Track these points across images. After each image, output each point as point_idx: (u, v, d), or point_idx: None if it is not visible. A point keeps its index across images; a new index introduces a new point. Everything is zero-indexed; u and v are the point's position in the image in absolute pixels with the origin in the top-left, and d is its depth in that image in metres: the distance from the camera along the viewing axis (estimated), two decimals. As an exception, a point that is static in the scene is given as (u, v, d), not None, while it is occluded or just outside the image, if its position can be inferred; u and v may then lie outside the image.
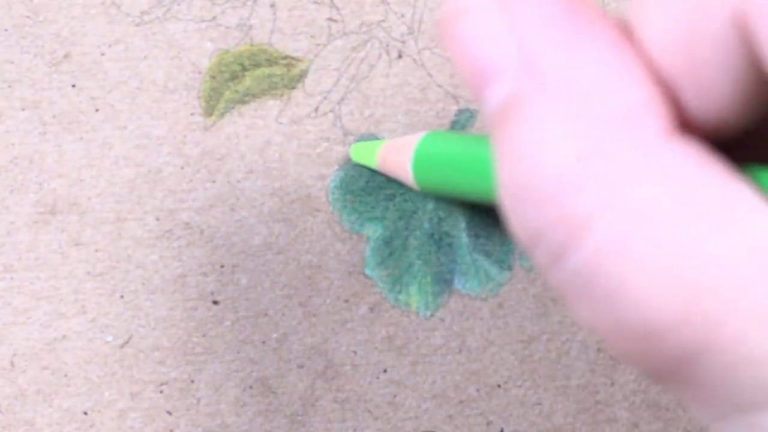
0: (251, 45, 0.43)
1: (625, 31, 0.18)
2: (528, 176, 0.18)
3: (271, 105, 0.43)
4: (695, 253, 0.16)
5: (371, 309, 0.42)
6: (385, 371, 0.42)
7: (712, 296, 0.16)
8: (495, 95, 0.18)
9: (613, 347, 0.18)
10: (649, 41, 0.18)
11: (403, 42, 0.43)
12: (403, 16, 0.43)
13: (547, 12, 0.18)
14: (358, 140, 0.43)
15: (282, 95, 0.43)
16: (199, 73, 0.42)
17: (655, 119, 0.17)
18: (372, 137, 0.43)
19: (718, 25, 0.16)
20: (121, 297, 0.42)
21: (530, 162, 0.18)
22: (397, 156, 0.39)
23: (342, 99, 0.43)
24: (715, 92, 0.17)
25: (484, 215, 0.42)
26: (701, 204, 0.17)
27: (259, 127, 0.42)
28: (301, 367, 0.42)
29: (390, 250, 0.42)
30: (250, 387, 0.42)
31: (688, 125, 0.18)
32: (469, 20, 0.18)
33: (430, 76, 0.43)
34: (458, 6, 0.19)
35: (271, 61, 0.43)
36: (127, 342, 0.42)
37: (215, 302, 0.42)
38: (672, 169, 0.17)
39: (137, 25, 0.43)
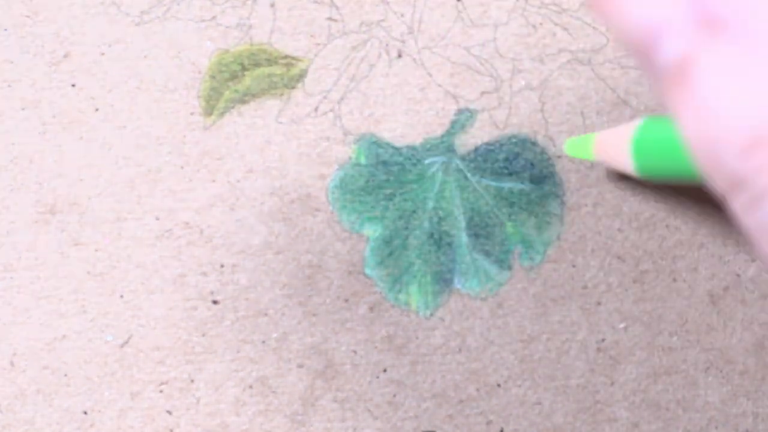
0: (251, 44, 0.43)
1: None
2: (724, 128, 0.17)
3: (271, 104, 0.43)
4: None
5: (371, 308, 0.42)
6: (384, 371, 0.42)
7: None
8: (668, 53, 0.18)
9: None
10: None
11: (403, 41, 0.43)
12: (402, 15, 0.43)
13: None
14: (358, 140, 0.43)
15: (282, 95, 0.43)
16: (199, 72, 0.42)
17: None
18: (372, 137, 0.43)
19: None
20: (121, 296, 0.42)
21: (722, 114, 0.17)
22: (615, 145, 0.39)
23: (342, 98, 0.43)
24: None
25: (484, 215, 0.42)
26: None
27: (259, 126, 0.42)
28: (300, 366, 0.42)
29: (390, 250, 0.42)
30: (250, 386, 0.42)
31: None
32: None
33: (430, 75, 0.43)
34: None
35: (271, 61, 0.43)
36: (126, 341, 0.42)
37: (215, 302, 0.42)
38: None
39: (137, 24, 0.43)
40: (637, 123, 0.39)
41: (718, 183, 0.18)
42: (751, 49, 0.17)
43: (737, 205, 0.18)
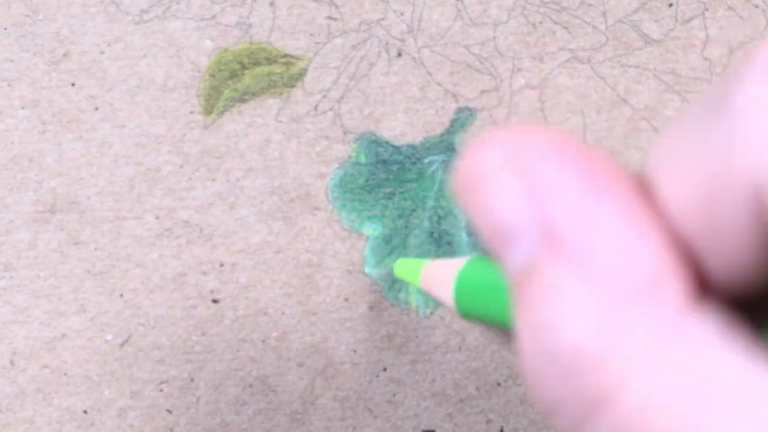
0: (251, 43, 0.43)
1: (643, 188, 0.18)
2: (548, 348, 0.18)
3: (271, 103, 0.42)
4: None
5: (371, 307, 0.42)
6: (384, 370, 0.42)
7: None
8: (515, 259, 0.18)
9: None
10: (667, 201, 0.18)
11: (403, 40, 0.43)
12: (402, 14, 0.43)
13: (564, 177, 0.18)
14: (358, 139, 0.43)
15: (281, 94, 0.43)
16: (199, 71, 0.42)
17: (674, 289, 0.17)
18: (371, 135, 0.43)
19: (737, 192, 0.16)
20: (121, 295, 0.42)
21: (549, 334, 0.18)
22: (440, 277, 0.39)
23: (341, 97, 0.43)
24: (734, 258, 0.17)
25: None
26: (722, 386, 0.17)
27: (259, 125, 0.42)
28: (300, 365, 0.42)
29: (390, 249, 0.42)
30: (250, 385, 0.42)
31: (708, 285, 0.18)
32: (486, 183, 0.18)
33: (430, 74, 0.43)
34: (473, 167, 0.19)
35: (271, 60, 0.43)
36: (126, 340, 0.42)
37: (215, 301, 0.42)
38: (693, 344, 0.17)
39: (137, 23, 0.43)
40: (464, 260, 0.38)
41: (541, 398, 0.18)
42: (587, 271, 0.18)
43: (558, 426, 0.18)
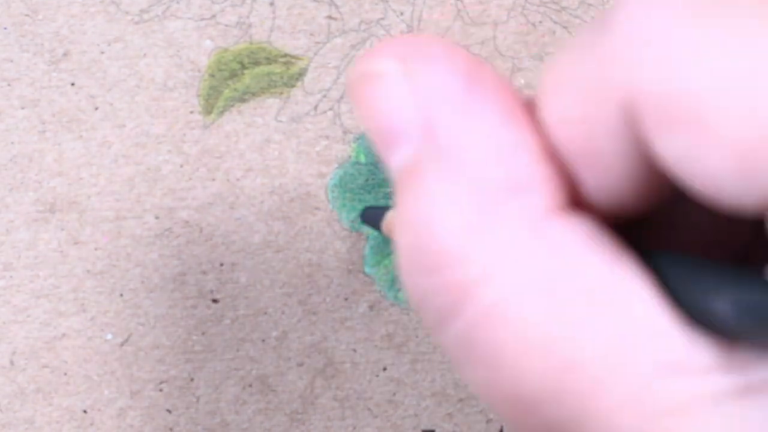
0: (250, 43, 0.43)
1: (530, 107, 0.19)
2: (418, 243, 0.18)
3: (271, 103, 0.43)
4: (571, 331, 0.17)
5: (371, 307, 0.42)
6: (384, 369, 0.42)
7: (585, 374, 0.17)
8: (397, 159, 0.19)
9: (494, 410, 0.18)
10: (550, 121, 0.18)
11: (403, 40, 0.43)
12: (402, 14, 0.43)
13: (449, 81, 0.18)
14: (358, 139, 0.43)
15: (281, 93, 0.43)
16: (199, 71, 0.42)
17: (542, 194, 0.18)
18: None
19: (609, 112, 0.17)
20: (121, 295, 0.42)
21: (420, 230, 0.18)
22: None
23: (341, 97, 0.43)
24: (610, 176, 0.18)
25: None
26: (582, 283, 0.17)
27: (259, 125, 0.42)
28: (300, 365, 0.42)
29: (389, 248, 0.42)
30: (250, 385, 0.42)
31: (584, 203, 0.18)
32: (377, 84, 0.19)
33: (430, 74, 0.43)
34: (366, 69, 0.19)
35: (271, 60, 0.43)
36: (126, 340, 0.42)
37: (215, 300, 0.42)
38: (556, 245, 0.18)
39: (136, 23, 0.43)
40: None
41: (411, 297, 0.19)
42: (461, 173, 0.18)
43: (425, 321, 0.19)
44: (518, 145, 0.18)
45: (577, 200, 0.18)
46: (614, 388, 0.17)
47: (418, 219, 0.18)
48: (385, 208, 0.40)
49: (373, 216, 0.40)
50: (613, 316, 0.17)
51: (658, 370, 0.17)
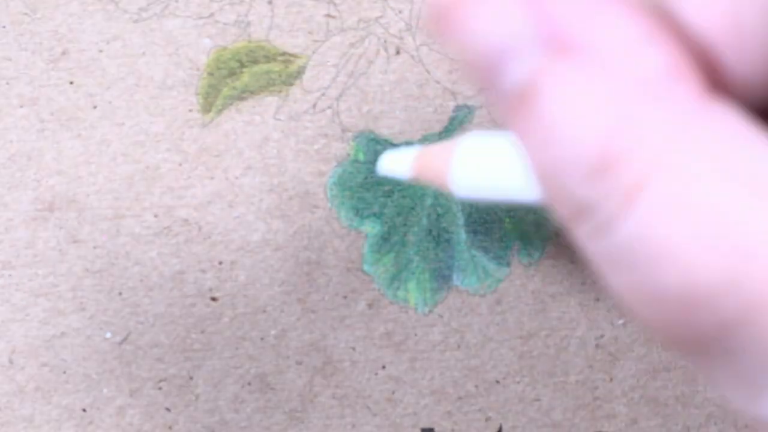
0: (249, 41, 0.43)
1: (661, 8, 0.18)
2: (568, 153, 0.17)
3: (269, 101, 0.43)
4: (744, 219, 0.16)
5: (370, 305, 0.42)
6: (383, 367, 0.42)
7: (761, 263, 0.16)
8: (513, 76, 0.18)
9: (650, 317, 0.17)
10: (690, 7, 0.18)
11: (401, 38, 0.43)
12: (401, 12, 0.43)
13: None
14: (357, 137, 0.43)
15: (280, 92, 0.43)
16: (197, 69, 0.42)
17: (690, 81, 0.17)
18: (370, 133, 0.43)
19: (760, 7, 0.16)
20: (120, 294, 0.42)
21: (568, 138, 0.17)
22: (436, 162, 0.38)
23: (340, 95, 0.43)
24: (757, 60, 0.17)
25: (483, 212, 0.42)
26: (753, 167, 0.16)
27: (257, 123, 0.42)
28: (299, 363, 0.42)
29: (388, 247, 0.42)
30: (249, 383, 0.42)
31: (727, 89, 0.18)
32: (474, 3, 0.18)
33: (428, 72, 0.43)
34: None
35: (269, 58, 0.43)
36: (125, 339, 0.42)
37: (213, 299, 0.42)
38: (718, 131, 0.17)
39: (135, 21, 0.43)
40: (462, 139, 0.37)
41: (562, 211, 0.18)
42: (598, 72, 0.17)
43: (582, 233, 0.18)
44: (651, 35, 0.17)
45: (720, 85, 0.18)
46: None
47: (562, 127, 0.17)
48: (407, 151, 0.38)
49: (394, 162, 0.38)
50: None
51: None
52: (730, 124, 0.17)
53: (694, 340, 0.17)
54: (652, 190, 0.17)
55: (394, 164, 0.37)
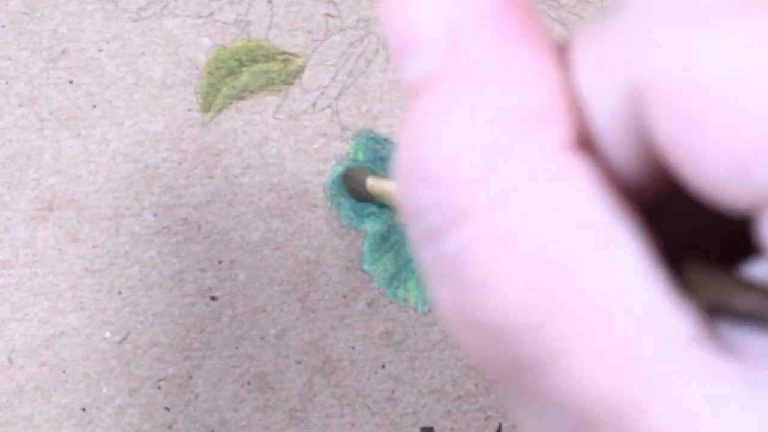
0: (248, 41, 0.43)
1: (560, 49, 0.18)
2: (424, 153, 0.18)
3: (269, 101, 0.43)
4: (562, 273, 0.17)
5: (369, 304, 0.42)
6: (383, 366, 0.42)
7: (566, 319, 0.17)
8: (414, 68, 0.18)
9: (463, 340, 0.18)
10: (575, 74, 0.18)
11: (401, 37, 0.43)
12: (400, 11, 0.43)
13: (484, 2, 0.18)
14: (356, 136, 0.43)
15: (279, 91, 0.43)
16: (197, 69, 0.42)
17: (559, 127, 0.18)
18: (369, 132, 0.43)
19: (617, 88, 0.17)
20: (119, 293, 0.42)
21: (430, 140, 0.18)
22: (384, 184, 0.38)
23: (339, 94, 0.43)
24: (615, 153, 0.18)
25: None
26: (582, 229, 0.17)
27: (257, 122, 0.42)
28: (299, 362, 0.42)
29: (388, 246, 0.42)
30: (249, 383, 0.42)
31: (594, 150, 0.18)
32: None
33: (428, 71, 0.43)
34: None
35: (269, 57, 0.43)
36: (125, 338, 0.42)
37: (213, 298, 0.42)
38: (562, 185, 0.17)
39: (134, 21, 0.43)
40: None
41: (403, 207, 0.18)
42: (475, 91, 0.18)
43: (415, 235, 0.18)
44: (543, 77, 0.18)
45: (587, 145, 0.18)
46: (592, 342, 0.17)
47: (429, 129, 0.18)
48: (365, 170, 0.39)
49: (351, 179, 0.39)
50: (604, 269, 0.17)
51: (638, 332, 0.17)
52: (576, 183, 0.17)
53: (501, 371, 0.18)
54: (483, 219, 0.17)
55: (350, 183, 0.38)
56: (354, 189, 0.39)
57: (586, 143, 0.18)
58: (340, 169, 0.42)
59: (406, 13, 0.18)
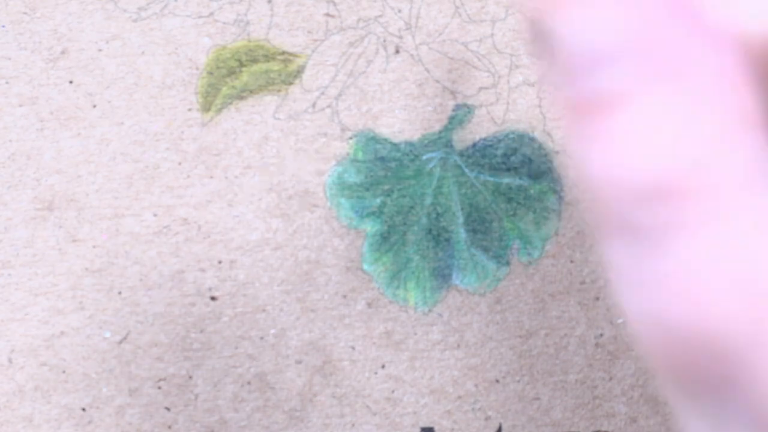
0: (248, 41, 0.43)
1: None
2: (626, 172, 0.17)
3: (269, 101, 0.43)
4: None
5: (369, 304, 0.42)
6: (383, 366, 0.42)
7: None
8: (599, 82, 0.17)
9: (657, 348, 0.18)
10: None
11: (401, 37, 0.43)
12: (400, 11, 0.43)
13: (672, 3, 0.17)
14: (356, 136, 0.43)
15: (279, 91, 0.43)
16: (197, 69, 0.42)
17: (757, 131, 0.17)
18: (369, 132, 0.43)
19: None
20: (119, 293, 0.42)
21: (638, 157, 0.17)
22: None
23: (339, 94, 0.43)
24: None
25: (482, 211, 0.42)
26: None
27: (257, 122, 0.42)
28: (299, 362, 0.42)
29: (388, 246, 0.42)
30: (248, 383, 0.42)
31: None
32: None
33: (428, 71, 0.43)
34: None
35: (269, 57, 0.43)
36: (125, 338, 0.42)
37: (213, 298, 0.42)
38: None
39: (134, 21, 0.43)
40: None
41: (603, 221, 0.18)
42: (683, 100, 0.17)
43: (617, 249, 0.18)
44: (743, 74, 0.17)
45: None
46: None
47: (632, 144, 0.17)
48: None
49: None
50: None
51: None
52: None
53: (691, 380, 0.17)
54: (701, 229, 0.17)
55: None
56: None
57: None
58: (339, 169, 0.42)
59: (586, 18, 0.17)
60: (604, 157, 0.17)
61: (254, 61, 0.43)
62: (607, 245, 0.18)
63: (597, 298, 0.42)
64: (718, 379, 0.17)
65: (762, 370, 0.16)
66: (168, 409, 0.41)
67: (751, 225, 0.17)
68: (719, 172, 0.17)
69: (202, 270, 0.42)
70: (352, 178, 0.42)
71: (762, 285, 0.16)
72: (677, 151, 0.17)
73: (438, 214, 0.42)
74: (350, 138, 0.42)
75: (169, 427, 0.41)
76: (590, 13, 0.17)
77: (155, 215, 0.42)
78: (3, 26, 0.42)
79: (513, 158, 0.42)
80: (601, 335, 0.42)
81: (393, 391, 0.42)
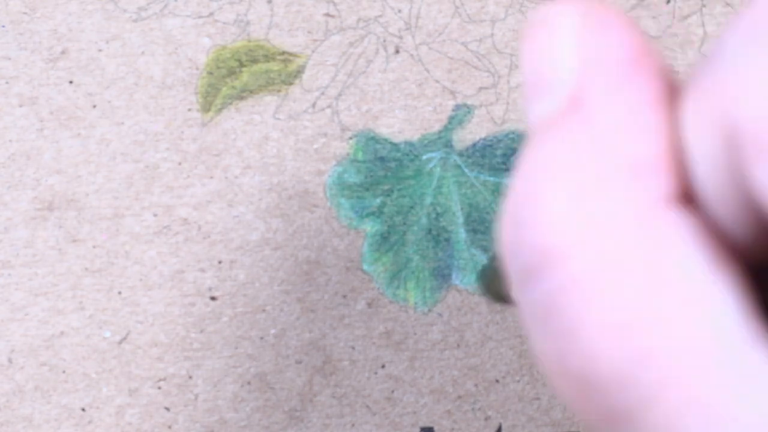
0: (248, 41, 0.43)
1: (673, 89, 0.19)
2: (524, 193, 0.18)
3: (269, 101, 0.43)
4: (653, 322, 0.17)
5: (369, 304, 0.42)
6: (383, 366, 0.42)
7: (657, 368, 0.17)
8: (538, 109, 0.19)
9: (558, 387, 0.18)
10: (683, 123, 0.18)
11: (401, 37, 0.43)
12: (400, 11, 0.43)
13: (617, 50, 0.18)
14: (356, 136, 0.43)
15: (279, 91, 0.43)
16: (197, 69, 0.42)
17: (662, 181, 0.18)
18: (369, 132, 0.43)
19: (715, 138, 0.17)
20: (119, 293, 0.42)
21: (531, 184, 0.18)
22: None
23: (339, 94, 0.43)
24: (720, 203, 0.17)
25: (482, 210, 0.42)
26: (675, 280, 0.17)
27: (257, 122, 0.42)
28: (299, 362, 0.42)
29: (388, 246, 0.42)
30: (248, 383, 0.42)
31: (694, 201, 0.18)
32: (550, 29, 0.19)
33: (428, 71, 0.43)
34: (547, 15, 0.19)
35: (269, 57, 0.43)
36: (125, 338, 0.42)
37: (213, 298, 0.42)
38: (658, 236, 0.17)
39: (134, 21, 0.43)
40: None
41: (504, 243, 0.19)
42: (586, 139, 0.18)
43: (512, 275, 0.19)
44: (656, 129, 0.18)
45: (692, 199, 0.18)
46: (683, 390, 0.16)
47: (534, 172, 0.18)
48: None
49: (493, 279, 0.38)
50: (698, 321, 0.17)
51: (731, 381, 0.16)
52: (674, 236, 0.17)
53: (593, 419, 0.18)
54: (573, 264, 0.18)
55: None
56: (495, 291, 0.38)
57: (691, 197, 0.18)
58: (339, 169, 0.42)
59: (544, 51, 0.19)
60: (519, 177, 0.19)
61: (254, 61, 0.43)
62: (511, 278, 0.19)
63: (597, 298, 0.42)
64: (613, 415, 0.17)
65: (648, 407, 0.17)
66: (168, 409, 0.41)
67: (623, 266, 0.17)
68: (598, 212, 0.18)
69: (202, 270, 0.42)
70: (352, 178, 0.42)
71: (635, 323, 0.17)
72: (563, 187, 0.18)
73: (438, 214, 0.42)
74: (350, 138, 0.42)
75: (169, 427, 0.41)
76: (550, 38, 0.19)
77: (155, 215, 0.42)
78: (3, 26, 0.42)
79: (513, 158, 0.42)
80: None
81: (393, 391, 0.42)
